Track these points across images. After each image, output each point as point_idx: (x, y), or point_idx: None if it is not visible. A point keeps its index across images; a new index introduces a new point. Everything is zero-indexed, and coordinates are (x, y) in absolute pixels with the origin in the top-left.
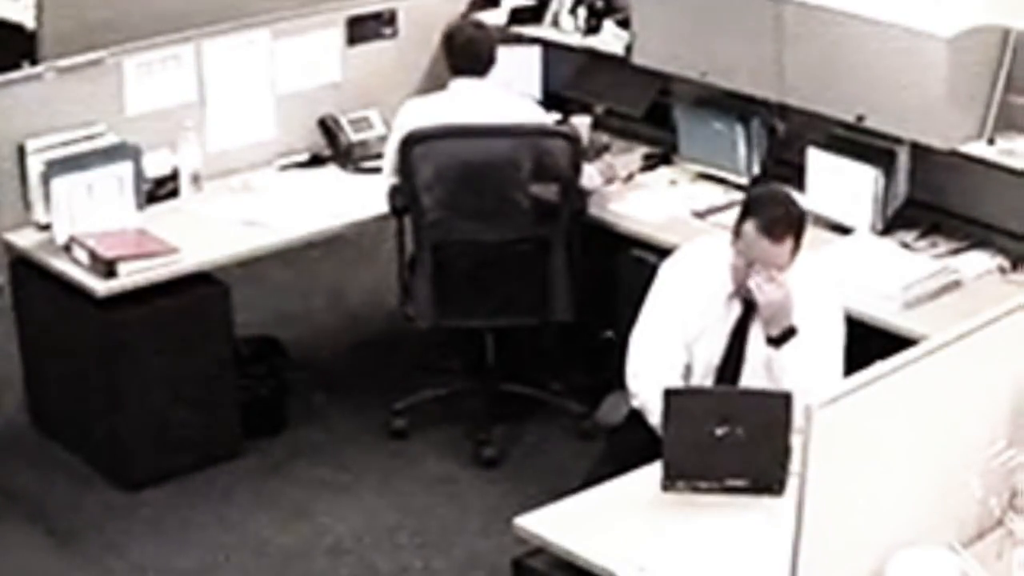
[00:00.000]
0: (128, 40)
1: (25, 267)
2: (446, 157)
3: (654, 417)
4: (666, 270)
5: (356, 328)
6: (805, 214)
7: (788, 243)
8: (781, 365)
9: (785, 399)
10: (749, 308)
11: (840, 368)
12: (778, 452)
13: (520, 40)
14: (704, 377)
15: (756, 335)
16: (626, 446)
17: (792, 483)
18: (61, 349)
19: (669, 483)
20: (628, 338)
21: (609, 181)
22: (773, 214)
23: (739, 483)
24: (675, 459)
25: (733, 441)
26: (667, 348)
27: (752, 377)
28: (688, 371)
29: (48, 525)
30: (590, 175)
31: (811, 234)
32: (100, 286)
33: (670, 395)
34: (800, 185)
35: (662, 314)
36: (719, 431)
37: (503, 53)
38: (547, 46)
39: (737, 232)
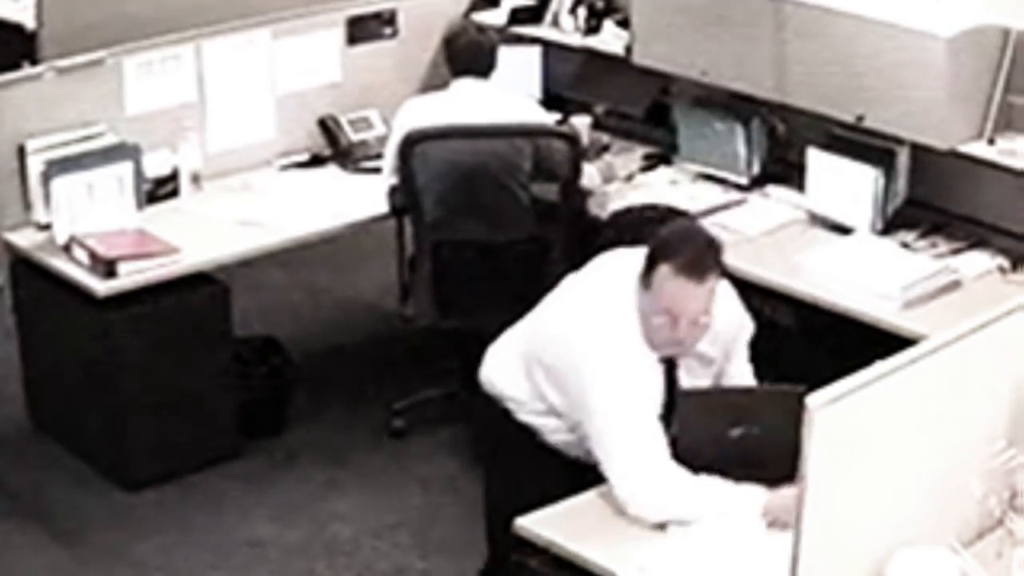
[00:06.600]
0: (128, 40)
1: (25, 267)
2: (446, 157)
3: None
4: (608, 364)
5: (356, 328)
6: (722, 246)
7: (712, 282)
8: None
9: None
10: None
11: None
12: (791, 452)
13: (520, 40)
14: None
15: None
16: None
17: None
18: (61, 349)
19: None
20: None
21: (608, 180)
22: (692, 251)
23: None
24: (687, 461)
25: (747, 442)
26: (653, 435)
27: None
28: None
29: (48, 525)
30: (590, 175)
31: (811, 234)
32: (100, 286)
33: (684, 396)
34: (800, 185)
35: (635, 406)
36: (734, 433)
37: (503, 53)
38: (547, 46)
39: (647, 282)
